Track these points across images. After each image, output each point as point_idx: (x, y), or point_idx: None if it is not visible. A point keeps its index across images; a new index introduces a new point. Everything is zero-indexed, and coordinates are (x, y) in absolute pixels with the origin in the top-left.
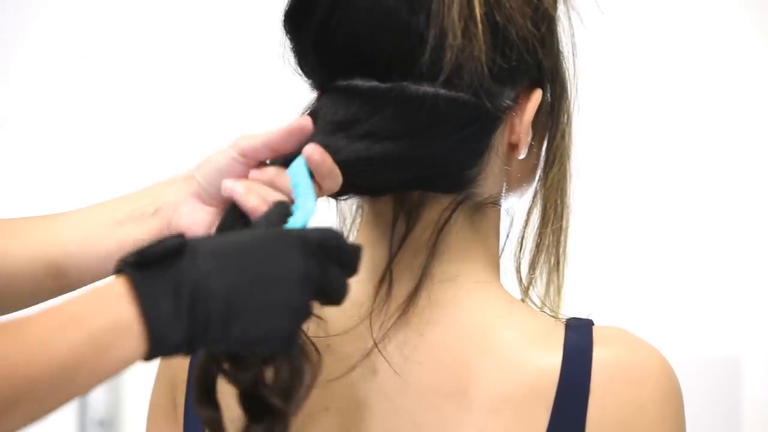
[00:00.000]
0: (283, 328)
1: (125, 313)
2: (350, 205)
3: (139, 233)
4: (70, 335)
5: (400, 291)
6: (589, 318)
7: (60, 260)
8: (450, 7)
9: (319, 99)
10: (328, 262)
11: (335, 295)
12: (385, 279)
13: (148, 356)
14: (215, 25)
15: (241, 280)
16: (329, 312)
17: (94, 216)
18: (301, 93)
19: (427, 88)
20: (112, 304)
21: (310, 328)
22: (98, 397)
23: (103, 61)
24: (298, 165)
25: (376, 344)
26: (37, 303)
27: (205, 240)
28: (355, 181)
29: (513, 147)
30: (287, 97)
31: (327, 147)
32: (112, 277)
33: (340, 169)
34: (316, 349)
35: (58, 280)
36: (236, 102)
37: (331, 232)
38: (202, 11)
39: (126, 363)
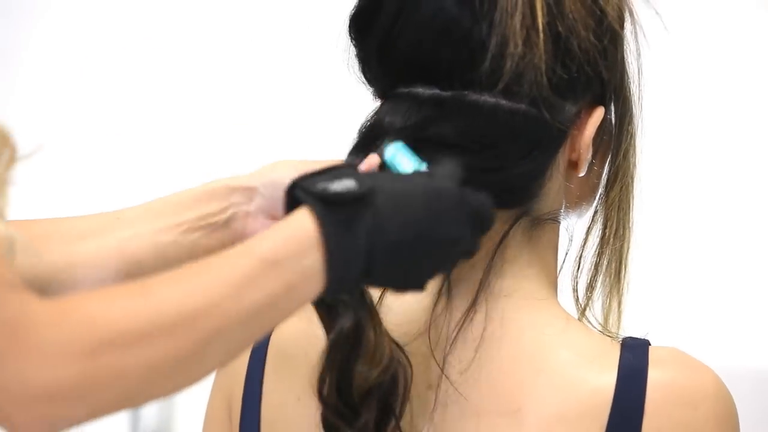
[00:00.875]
0: (425, 281)
1: (316, 259)
2: None
3: (212, 244)
4: (268, 281)
5: (458, 305)
6: (646, 338)
7: (133, 271)
8: (512, 16)
9: (381, 106)
10: (476, 230)
11: (466, 256)
12: (443, 293)
13: (323, 295)
14: (217, 27)
15: (408, 231)
16: (386, 325)
17: (160, 221)
18: (304, 93)
19: (487, 98)
20: (305, 250)
21: None
22: (151, 409)
23: (106, 64)
24: (397, 148)
25: (440, 365)
26: None
27: (381, 181)
28: None
29: (573, 164)
30: (289, 97)
31: None
32: (300, 212)
33: None
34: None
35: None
36: (239, 103)
37: (486, 201)
38: (204, 13)
39: (304, 303)
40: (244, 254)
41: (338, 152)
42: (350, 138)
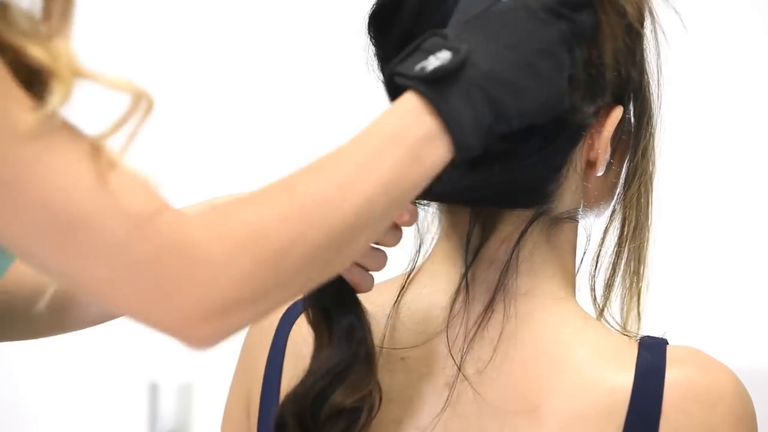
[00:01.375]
0: (559, 86)
1: (433, 125)
2: (429, 220)
3: None
4: (393, 153)
5: (476, 305)
6: (664, 337)
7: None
8: None
9: None
10: (574, 12)
11: (591, 33)
12: (460, 291)
13: (456, 158)
14: (218, 29)
15: (513, 61)
16: (404, 324)
17: None
18: (302, 93)
19: None
20: (420, 120)
21: (385, 340)
22: (168, 407)
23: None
24: None
25: (458, 365)
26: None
27: (472, 31)
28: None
29: (591, 163)
30: (290, 97)
31: None
32: (406, 97)
33: None
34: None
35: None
36: (239, 103)
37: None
38: (205, 15)
39: (437, 168)
40: (368, 135)
41: None
42: None
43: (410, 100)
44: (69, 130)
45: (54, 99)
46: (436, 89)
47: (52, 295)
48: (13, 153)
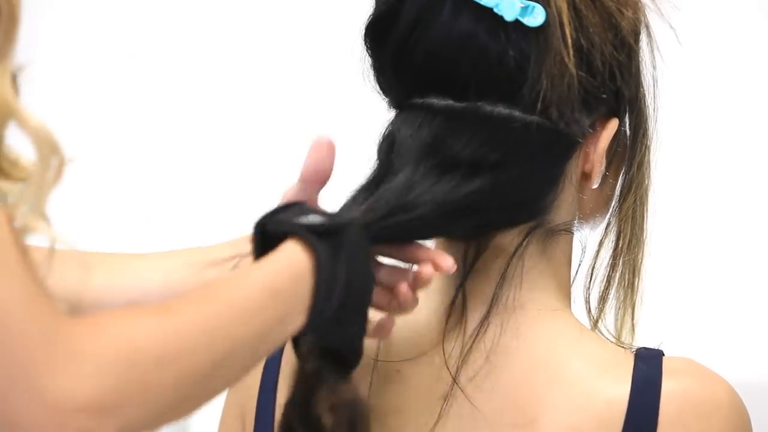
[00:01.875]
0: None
1: (308, 293)
2: None
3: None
4: (268, 311)
5: (472, 317)
6: (659, 348)
7: (140, 300)
8: (544, 31)
9: (395, 117)
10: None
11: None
12: (456, 304)
13: (302, 331)
14: (217, 30)
15: (356, 285)
16: (399, 336)
17: (171, 261)
18: (300, 94)
19: (501, 109)
20: (303, 284)
21: (380, 352)
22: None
23: (113, 66)
24: None
25: (453, 377)
26: None
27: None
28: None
29: (587, 176)
30: (286, 97)
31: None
32: (290, 244)
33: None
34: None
35: None
36: (235, 104)
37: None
38: (205, 16)
39: (288, 337)
40: (254, 282)
41: (349, 153)
42: (358, 141)
43: (294, 249)
44: None
45: None
46: (320, 241)
47: None
48: None
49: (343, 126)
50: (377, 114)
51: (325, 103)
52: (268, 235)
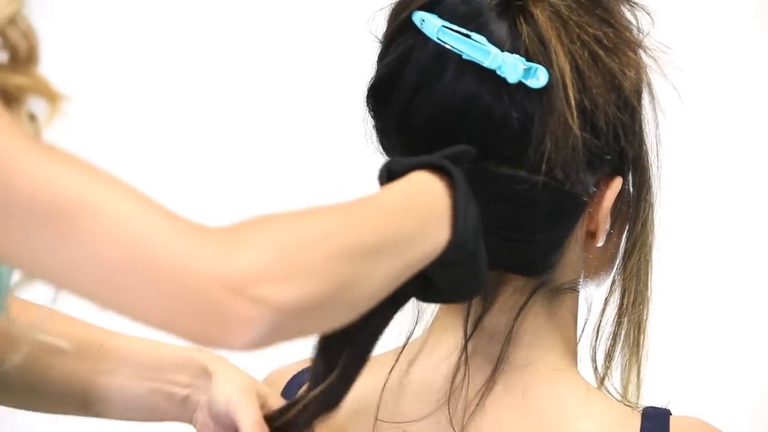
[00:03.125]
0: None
1: (447, 209)
2: None
3: (164, 410)
4: (412, 214)
5: (476, 377)
6: (667, 408)
7: (91, 398)
8: (546, 93)
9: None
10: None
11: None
12: (461, 364)
13: (448, 249)
14: (216, 32)
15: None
16: (404, 395)
17: (143, 372)
18: (300, 94)
19: (506, 170)
20: (441, 198)
21: (385, 413)
22: None
23: (116, 67)
24: None
25: None
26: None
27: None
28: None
29: (592, 234)
30: (286, 98)
31: None
32: (423, 173)
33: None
34: None
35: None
36: (235, 105)
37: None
38: (205, 18)
39: (432, 252)
40: (384, 194)
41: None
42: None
43: (436, 182)
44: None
45: (43, 121)
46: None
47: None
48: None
49: (343, 126)
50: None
51: (324, 104)
52: (393, 176)
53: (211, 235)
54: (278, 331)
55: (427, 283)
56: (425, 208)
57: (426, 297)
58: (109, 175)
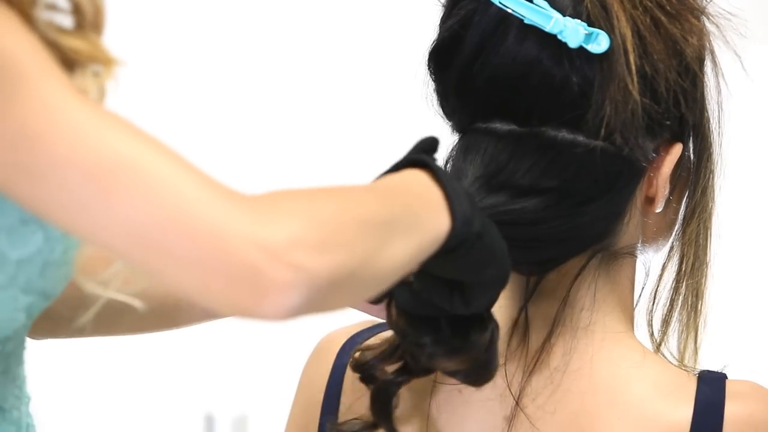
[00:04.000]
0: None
1: (440, 197)
2: None
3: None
4: (413, 195)
5: (534, 338)
6: (723, 371)
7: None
8: (608, 57)
9: (459, 141)
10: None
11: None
12: (519, 325)
13: (452, 232)
14: (217, 33)
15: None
16: None
17: None
18: (305, 97)
19: (565, 134)
20: (432, 189)
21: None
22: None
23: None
24: None
25: (516, 399)
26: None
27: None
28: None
29: (650, 200)
30: (286, 99)
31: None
32: (410, 170)
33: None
34: None
35: None
36: (235, 106)
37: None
38: (205, 19)
39: (437, 237)
40: (372, 188)
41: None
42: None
43: (416, 173)
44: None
45: (99, 84)
46: (436, 167)
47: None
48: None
49: (342, 126)
50: (375, 114)
51: (324, 105)
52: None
53: (248, 201)
54: (311, 300)
55: (461, 291)
56: (423, 193)
57: (465, 303)
58: (151, 136)
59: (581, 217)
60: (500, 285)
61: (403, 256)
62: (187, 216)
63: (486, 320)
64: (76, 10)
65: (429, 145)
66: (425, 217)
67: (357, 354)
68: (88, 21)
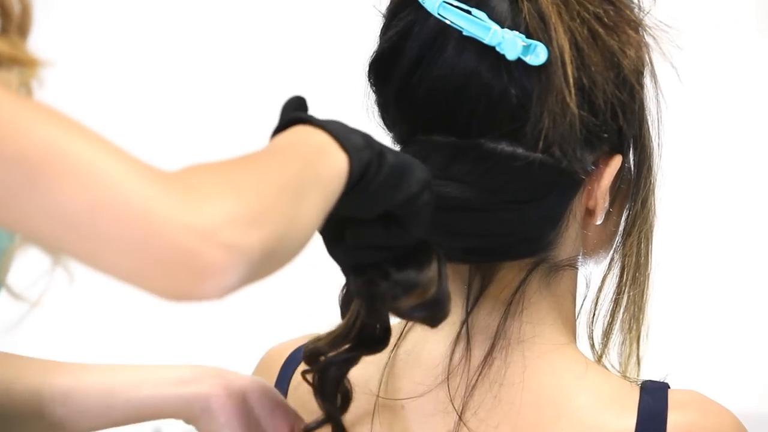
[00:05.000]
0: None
1: (328, 138)
2: None
3: (161, 393)
4: (290, 162)
5: (476, 352)
6: (665, 381)
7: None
8: (545, 70)
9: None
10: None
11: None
12: (461, 338)
13: (351, 162)
14: (216, 34)
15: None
16: (403, 372)
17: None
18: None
19: (505, 147)
20: (315, 134)
21: (384, 389)
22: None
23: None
24: None
25: (459, 414)
26: None
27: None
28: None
29: (590, 212)
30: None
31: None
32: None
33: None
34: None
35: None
36: (235, 104)
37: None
38: (205, 20)
39: (338, 175)
40: (262, 152)
41: None
42: None
43: (299, 128)
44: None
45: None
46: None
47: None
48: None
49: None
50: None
51: (323, 106)
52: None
53: (177, 181)
54: (248, 274)
55: (396, 222)
56: (312, 143)
57: (405, 229)
58: (80, 124)
59: (507, 214)
60: (426, 198)
61: (319, 207)
62: (119, 201)
63: (430, 250)
64: (3, 12)
65: (297, 104)
66: (323, 163)
67: (310, 346)
68: (14, 23)
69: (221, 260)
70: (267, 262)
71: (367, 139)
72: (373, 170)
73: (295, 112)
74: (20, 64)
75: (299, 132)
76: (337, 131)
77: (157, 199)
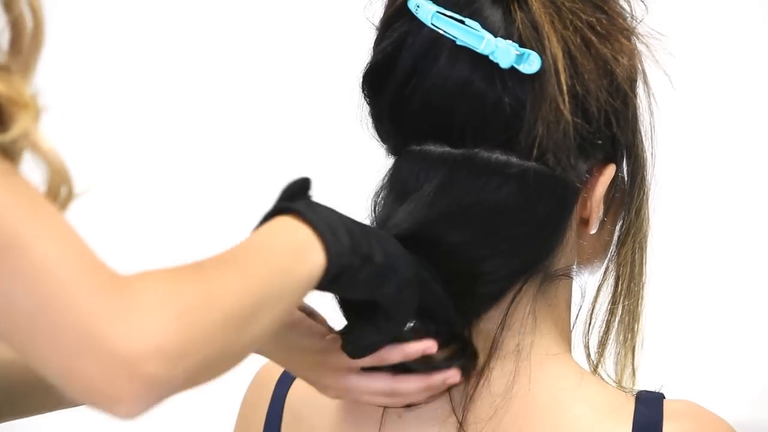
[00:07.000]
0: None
1: (310, 233)
2: None
3: None
4: (255, 276)
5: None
6: (660, 391)
7: None
8: (539, 78)
9: (393, 164)
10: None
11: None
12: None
13: (329, 263)
14: (216, 35)
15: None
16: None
17: None
18: (299, 95)
19: (499, 156)
20: (296, 229)
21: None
22: None
23: (114, 67)
24: None
25: (459, 422)
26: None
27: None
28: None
29: (585, 221)
30: (285, 101)
31: (390, 218)
32: (278, 218)
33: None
34: None
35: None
36: (234, 108)
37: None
38: (205, 21)
39: (313, 275)
40: (241, 249)
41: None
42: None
43: (283, 220)
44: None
45: (16, 128)
46: (299, 205)
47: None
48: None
49: (341, 127)
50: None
51: (324, 106)
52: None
53: (122, 293)
54: (164, 398)
55: (381, 312)
56: (291, 241)
57: (391, 321)
58: (49, 213)
59: (513, 239)
60: (407, 295)
61: (274, 321)
62: (61, 310)
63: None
64: (15, 29)
65: (298, 187)
66: (296, 270)
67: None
68: (26, 39)
69: (136, 392)
70: (189, 383)
71: (355, 240)
72: (349, 275)
73: (284, 203)
74: (17, 106)
75: (283, 226)
76: (324, 230)
77: (95, 315)
